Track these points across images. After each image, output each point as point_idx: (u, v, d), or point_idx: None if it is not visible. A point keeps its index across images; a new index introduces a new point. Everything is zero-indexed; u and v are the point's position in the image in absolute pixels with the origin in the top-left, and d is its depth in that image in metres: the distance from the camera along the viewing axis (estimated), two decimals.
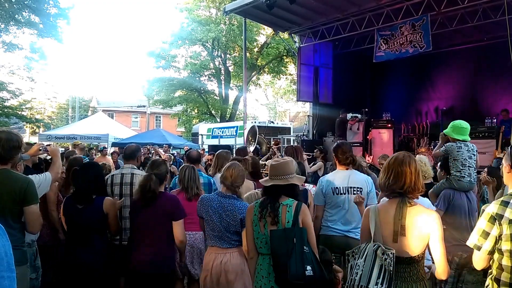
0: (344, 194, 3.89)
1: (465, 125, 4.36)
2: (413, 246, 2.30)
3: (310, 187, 4.50)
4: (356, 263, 2.40)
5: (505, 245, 2.15)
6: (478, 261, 2.33)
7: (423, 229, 2.29)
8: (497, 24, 10.20)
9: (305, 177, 3.10)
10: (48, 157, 4.63)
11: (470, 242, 2.31)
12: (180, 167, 4.75)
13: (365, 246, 2.41)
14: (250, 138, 13.90)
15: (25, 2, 17.64)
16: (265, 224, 2.80)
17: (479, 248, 2.26)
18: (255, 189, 4.14)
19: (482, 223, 2.25)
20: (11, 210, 2.83)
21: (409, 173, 2.39)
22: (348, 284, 2.39)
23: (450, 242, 3.88)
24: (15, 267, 1.42)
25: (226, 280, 3.24)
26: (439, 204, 4.05)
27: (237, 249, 3.34)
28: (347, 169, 4.01)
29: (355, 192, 3.85)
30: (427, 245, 2.34)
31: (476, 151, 4.63)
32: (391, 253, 2.27)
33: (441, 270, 2.33)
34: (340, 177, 3.98)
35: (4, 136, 2.87)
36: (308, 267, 2.58)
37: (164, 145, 13.91)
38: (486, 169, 4.93)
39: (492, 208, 2.21)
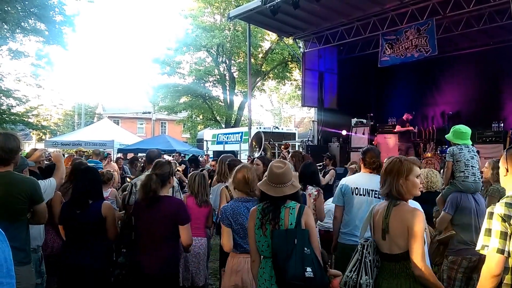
0: (364, 195, 3.89)
1: (465, 129, 4.35)
2: (398, 243, 2.44)
3: (312, 190, 4.42)
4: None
5: None
6: (490, 265, 2.11)
7: (403, 226, 2.42)
8: (503, 28, 10.16)
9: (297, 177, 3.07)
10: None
11: (478, 246, 2.19)
12: (190, 174, 4.78)
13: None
14: (254, 145, 13.81)
15: (31, 10, 17.61)
16: (267, 229, 2.77)
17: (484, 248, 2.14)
18: None
19: (493, 224, 2.14)
20: (18, 211, 2.85)
21: (392, 179, 2.52)
22: None
23: (458, 246, 3.90)
24: (16, 268, 1.40)
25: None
26: (447, 208, 4.01)
27: None
28: (370, 172, 4.00)
29: (375, 195, 3.82)
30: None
31: (478, 152, 4.67)
32: (370, 242, 2.55)
33: (413, 266, 2.36)
34: (362, 179, 4.00)
35: (2, 138, 2.85)
36: (308, 269, 2.56)
37: (174, 154, 13.93)
38: None
39: (499, 209, 2.15)
